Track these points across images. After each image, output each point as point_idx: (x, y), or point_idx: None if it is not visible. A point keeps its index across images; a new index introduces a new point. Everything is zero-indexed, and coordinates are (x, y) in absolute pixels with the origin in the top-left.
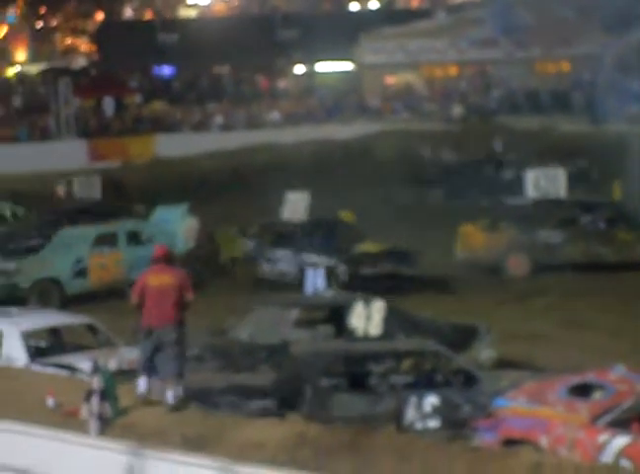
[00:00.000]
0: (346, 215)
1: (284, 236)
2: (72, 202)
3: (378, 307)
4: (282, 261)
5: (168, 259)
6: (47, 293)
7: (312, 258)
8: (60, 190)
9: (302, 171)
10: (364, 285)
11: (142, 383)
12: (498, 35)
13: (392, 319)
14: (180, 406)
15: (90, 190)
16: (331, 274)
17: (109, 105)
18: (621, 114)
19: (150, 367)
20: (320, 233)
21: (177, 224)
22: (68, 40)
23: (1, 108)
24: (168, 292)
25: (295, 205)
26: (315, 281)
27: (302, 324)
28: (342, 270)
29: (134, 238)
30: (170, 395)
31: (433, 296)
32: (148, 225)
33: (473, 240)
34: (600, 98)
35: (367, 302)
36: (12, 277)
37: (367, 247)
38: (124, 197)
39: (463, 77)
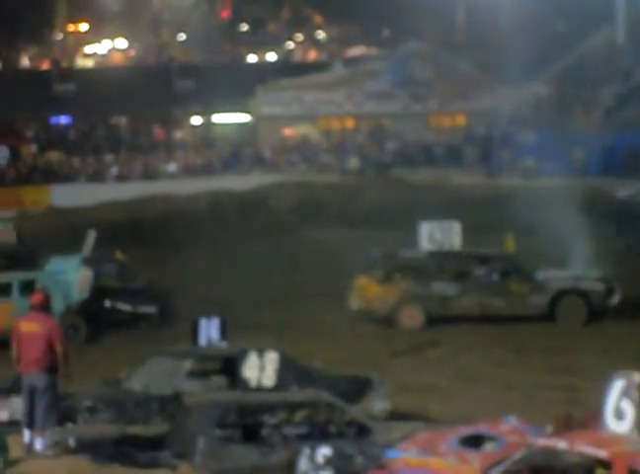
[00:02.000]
0: (119, 254)
1: None
2: None
3: (271, 358)
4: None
5: (43, 306)
6: None
7: None
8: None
9: (199, 222)
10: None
11: (26, 434)
12: (395, 88)
13: (286, 370)
14: (50, 454)
15: (8, 235)
16: None
17: (3, 154)
18: (515, 167)
19: (30, 417)
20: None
21: (71, 274)
22: None
23: None
24: (36, 339)
25: (89, 242)
26: (209, 332)
27: (196, 375)
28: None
29: (29, 288)
30: (39, 443)
31: (320, 345)
32: (43, 275)
33: (367, 291)
34: (494, 151)
35: (261, 353)
36: None
37: (108, 283)
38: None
39: (359, 129)
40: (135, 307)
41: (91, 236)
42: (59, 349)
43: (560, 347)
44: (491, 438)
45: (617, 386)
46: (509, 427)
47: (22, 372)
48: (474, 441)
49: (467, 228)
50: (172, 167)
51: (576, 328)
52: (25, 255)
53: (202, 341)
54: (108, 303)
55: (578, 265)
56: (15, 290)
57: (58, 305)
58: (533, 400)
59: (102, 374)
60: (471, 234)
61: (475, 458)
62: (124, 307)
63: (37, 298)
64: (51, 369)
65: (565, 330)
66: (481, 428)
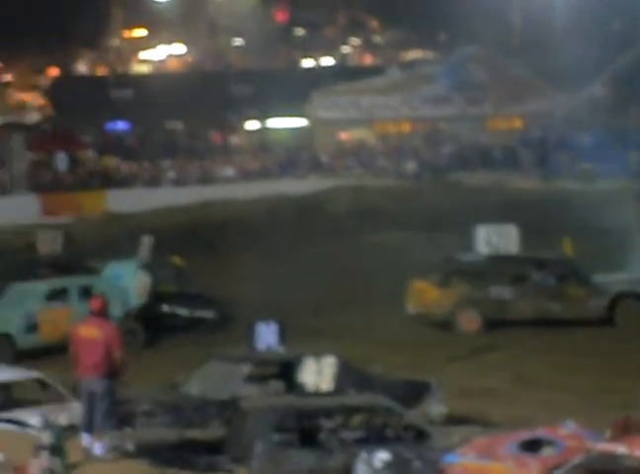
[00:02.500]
0: (177, 259)
1: None
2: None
3: (329, 362)
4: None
5: (102, 311)
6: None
7: None
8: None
9: (256, 226)
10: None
11: (85, 438)
12: (451, 91)
13: (343, 374)
14: (109, 458)
15: (53, 244)
16: None
17: (62, 160)
18: (571, 170)
19: (89, 422)
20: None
21: (129, 280)
22: (22, 96)
23: None
24: (95, 345)
25: (144, 249)
26: (266, 337)
27: (253, 379)
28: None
29: (87, 293)
30: (97, 447)
31: (377, 349)
32: (100, 280)
33: (425, 295)
34: (550, 154)
35: (318, 357)
36: None
37: (165, 288)
38: (76, 252)
39: (416, 133)
40: (193, 312)
41: (147, 241)
42: (118, 354)
43: (618, 350)
44: (549, 443)
45: None
46: (567, 431)
47: (80, 377)
48: (533, 446)
49: (524, 232)
50: (228, 171)
51: (634, 331)
52: (71, 262)
53: (260, 345)
54: (166, 308)
55: (636, 268)
56: (72, 296)
57: (116, 311)
58: (592, 404)
59: (159, 379)
60: (528, 238)
61: (533, 463)
62: (183, 312)
63: (95, 304)
64: (110, 375)
65: (623, 333)
66: (539, 432)
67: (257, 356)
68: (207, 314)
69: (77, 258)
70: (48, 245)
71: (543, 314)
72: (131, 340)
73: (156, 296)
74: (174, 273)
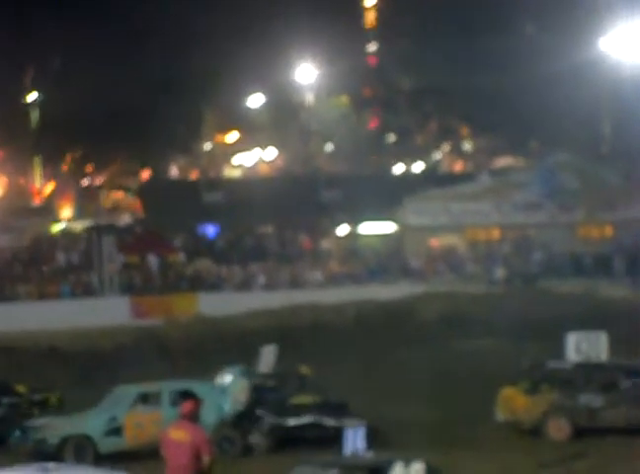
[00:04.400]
0: (304, 369)
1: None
2: None
3: (418, 469)
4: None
5: (193, 416)
6: (81, 450)
7: (259, 411)
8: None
9: (344, 331)
10: (290, 435)
11: None
12: (541, 198)
13: None
14: None
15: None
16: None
17: (153, 262)
18: None
19: None
20: (273, 386)
21: (230, 385)
22: (113, 198)
23: (45, 264)
24: (183, 448)
25: (267, 358)
26: (355, 441)
27: None
28: (267, 420)
29: (180, 398)
30: None
31: (466, 456)
32: (197, 385)
33: (514, 402)
34: None
35: (407, 463)
36: (41, 433)
37: (302, 399)
38: (167, 355)
39: (506, 240)
40: (340, 421)
41: (270, 351)
42: (206, 459)
43: None
44: None
45: None
46: None
47: None
48: None
49: (614, 340)
50: (318, 276)
51: None
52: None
53: (348, 450)
54: (306, 419)
55: None
56: (164, 400)
57: (211, 417)
58: None
59: None
60: (618, 346)
61: None
62: (329, 422)
63: (186, 407)
64: None
65: None
66: None
67: (345, 462)
68: (354, 423)
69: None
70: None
71: (633, 422)
72: (228, 447)
73: (284, 407)
74: (299, 382)
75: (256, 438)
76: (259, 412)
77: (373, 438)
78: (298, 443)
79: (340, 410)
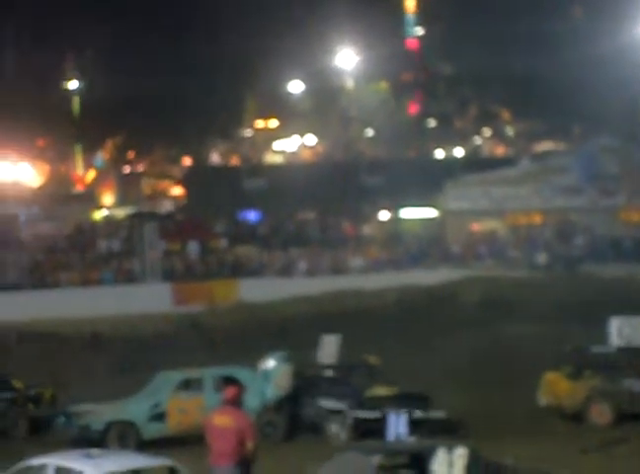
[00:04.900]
0: (372, 359)
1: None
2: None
3: (461, 454)
4: (307, 405)
5: (236, 401)
6: (124, 436)
7: (329, 403)
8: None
9: (386, 316)
10: (368, 428)
11: None
12: (582, 182)
13: (476, 466)
14: None
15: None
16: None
17: (194, 248)
18: None
19: None
20: (342, 377)
21: (273, 371)
22: (155, 185)
23: (87, 251)
24: (227, 433)
25: (329, 348)
26: (397, 427)
27: (384, 470)
28: (350, 414)
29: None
30: None
31: (509, 441)
32: (239, 371)
33: (556, 387)
34: None
35: (450, 449)
36: (84, 419)
37: (380, 391)
38: (208, 341)
39: (547, 224)
40: (427, 413)
41: (331, 341)
42: (250, 444)
43: None
44: None
45: None
46: None
47: (212, 465)
48: None
49: None
50: (359, 262)
51: None
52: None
53: (391, 436)
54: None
55: None
56: (207, 386)
57: (253, 402)
58: None
59: (292, 471)
60: None
61: None
62: (416, 414)
63: (229, 393)
64: (242, 464)
65: None
66: None
67: (388, 447)
68: (439, 414)
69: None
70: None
71: None
72: (271, 432)
73: (360, 400)
74: (367, 372)
75: (335, 429)
76: (339, 405)
77: (455, 430)
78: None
79: (421, 401)
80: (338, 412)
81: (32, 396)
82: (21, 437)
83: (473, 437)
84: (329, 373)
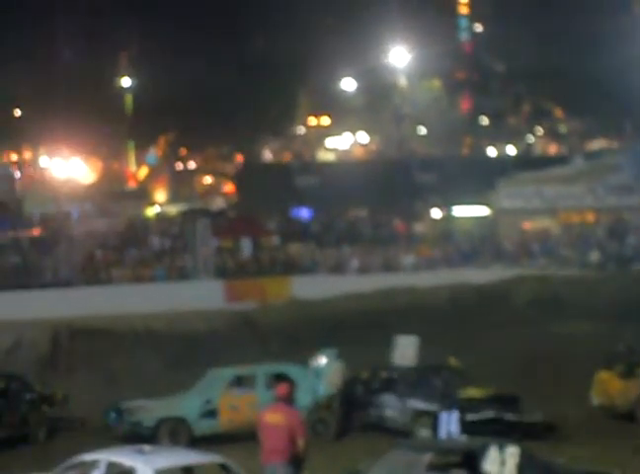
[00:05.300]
0: (453, 361)
1: (393, 381)
2: None
3: (512, 452)
4: (389, 406)
5: (288, 398)
6: (176, 432)
7: (419, 404)
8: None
9: (438, 315)
10: (469, 431)
11: None
12: (635, 181)
13: (527, 465)
14: None
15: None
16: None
17: (246, 246)
18: None
19: None
20: (427, 379)
21: (324, 368)
22: (207, 182)
23: (140, 247)
24: (279, 431)
25: (405, 350)
26: (449, 426)
27: (436, 468)
28: (454, 416)
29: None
30: None
31: (562, 440)
32: (291, 368)
33: (609, 386)
34: None
35: (502, 447)
36: (136, 415)
37: (472, 392)
38: (260, 338)
39: (600, 223)
40: (522, 416)
41: (408, 343)
42: (301, 441)
43: None
44: None
45: None
46: None
47: (264, 463)
48: None
49: None
50: (411, 259)
51: None
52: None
53: (442, 434)
54: (489, 414)
55: None
56: (259, 383)
57: (305, 400)
58: None
59: (343, 466)
60: None
61: None
62: (510, 417)
63: (281, 390)
64: (293, 461)
65: None
66: None
67: (439, 445)
68: (537, 418)
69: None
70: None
71: None
72: (322, 429)
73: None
74: (450, 376)
75: (426, 433)
76: (430, 406)
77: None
78: None
79: (515, 403)
80: (427, 413)
81: (45, 397)
82: (41, 442)
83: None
84: (409, 375)
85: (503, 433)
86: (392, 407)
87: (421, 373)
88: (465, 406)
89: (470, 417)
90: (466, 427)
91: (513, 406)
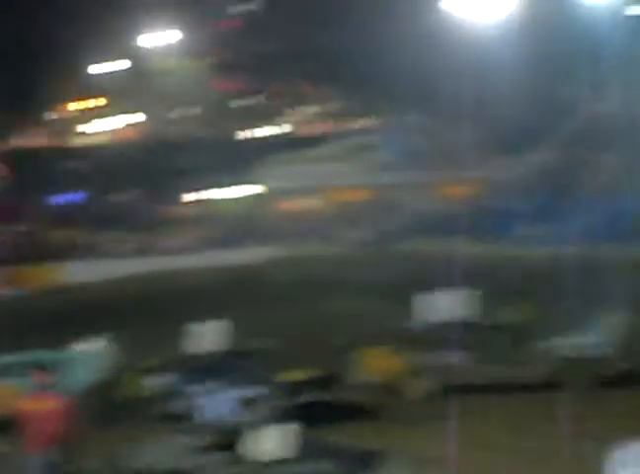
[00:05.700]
0: (263, 342)
1: (200, 369)
2: None
3: (284, 433)
4: (203, 395)
5: (46, 386)
6: None
7: (245, 391)
8: None
9: (198, 298)
10: (291, 415)
11: None
12: (396, 159)
13: (302, 446)
14: None
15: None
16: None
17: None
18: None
19: None
20: (237, 363)
21: (93, 355)
22: None
23: None
24: (41, 419)
25: (205, 336)
26: (219, 407)
27: (197, 450)
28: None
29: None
30: None
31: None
32: (56, 355)
33: (375, 363)
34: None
35: (274, 428)
36: None
37: (292, 375)
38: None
39: (364, 201)
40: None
41: (208, 329)
42: (64, 429)
43: None
44: None
45: None
46: None
47: (27, 451)
48: None
49: None
50: (171, 243)
51: None
52: None
53: (212, 415)
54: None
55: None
56: (15, 372)
57: (70, 385)
58: None
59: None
60: None
61: None
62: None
63: (38, 378)
64: (58, 449)
65: None
66: None
67: (205, 428)
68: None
69: None
70: None
71: None
72: (93, 416)
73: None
74: (262, 357)
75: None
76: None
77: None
78: None
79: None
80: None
81: None
82: None
83: None
84: (215, 360)
85: (325, 415)
86: (206, 396)
87: (230, 359)
88: (283, 390)
89: (288, 401)
90: (289, 411)
91: (333, 386)
